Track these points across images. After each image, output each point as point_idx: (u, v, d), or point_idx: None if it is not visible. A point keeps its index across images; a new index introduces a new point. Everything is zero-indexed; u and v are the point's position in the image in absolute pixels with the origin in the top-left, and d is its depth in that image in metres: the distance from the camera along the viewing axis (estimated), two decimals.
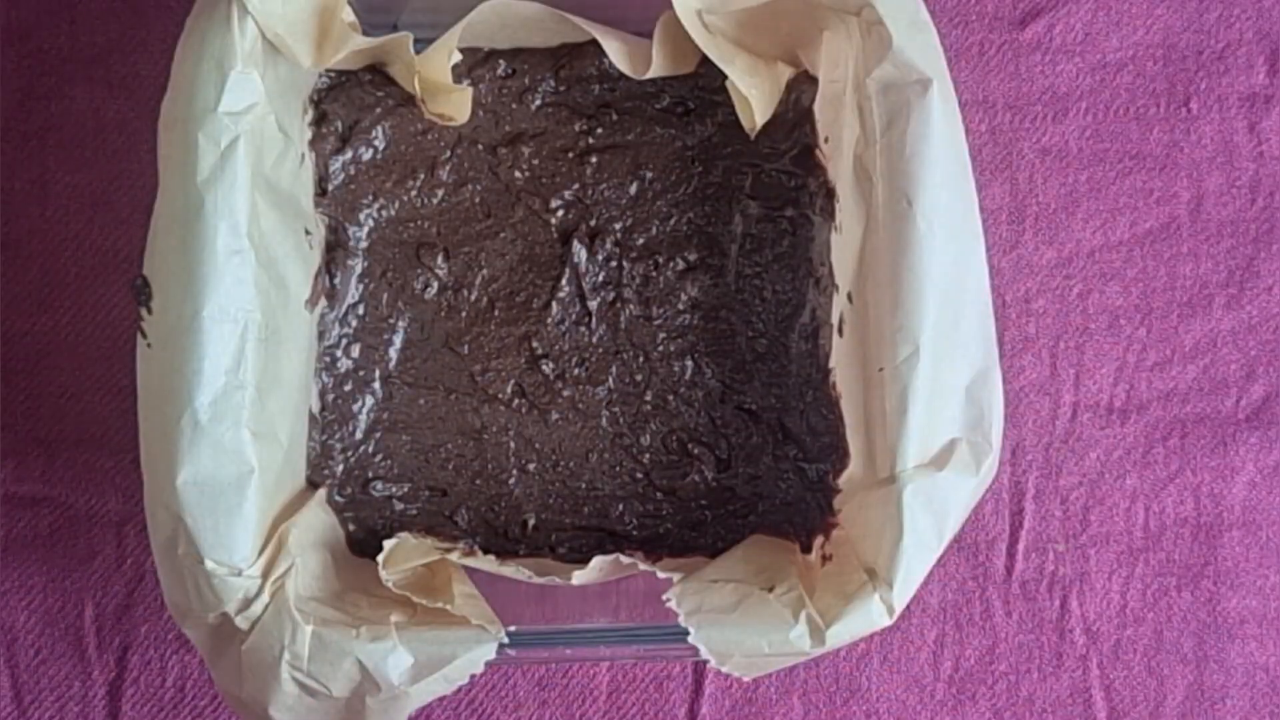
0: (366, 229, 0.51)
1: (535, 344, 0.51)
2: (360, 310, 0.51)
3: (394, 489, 0.50)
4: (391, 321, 0.51)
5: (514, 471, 0.51)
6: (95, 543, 0.54)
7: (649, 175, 0.52)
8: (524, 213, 0.52)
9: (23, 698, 0.54)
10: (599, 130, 0.52)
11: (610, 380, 0.51)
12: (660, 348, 0.51)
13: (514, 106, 0.52)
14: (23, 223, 0.55)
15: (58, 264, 0.55)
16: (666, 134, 0.52)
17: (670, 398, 0.51)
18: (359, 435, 0.50)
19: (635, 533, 0.50)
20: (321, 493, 0.49)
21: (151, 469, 0.43)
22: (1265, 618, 0.56)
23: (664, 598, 0.43)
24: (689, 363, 0.51)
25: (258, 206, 0.44)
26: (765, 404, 0.51)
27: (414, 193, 0.51)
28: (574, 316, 0.51)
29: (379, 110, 0.51)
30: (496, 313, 0.51)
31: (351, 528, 0.50)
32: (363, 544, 0.49)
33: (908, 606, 0.42)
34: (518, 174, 0.52)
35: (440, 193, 0.52)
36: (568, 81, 0.52)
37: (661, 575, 0.44)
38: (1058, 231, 0.57)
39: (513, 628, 0.44)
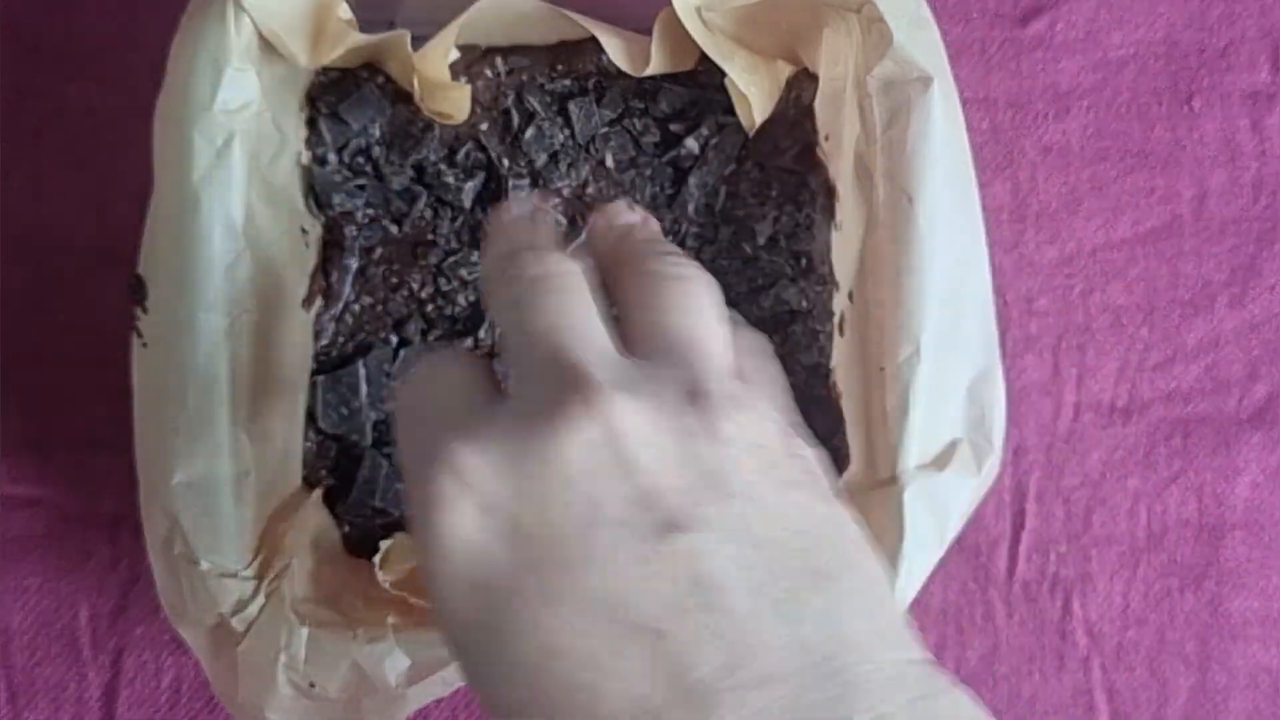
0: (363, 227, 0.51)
1: None
2: (356, 309, 0.51)
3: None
4: (388, 320, 0.51)
5: None
6: (90, 544, 0.54)
7: (648, 172, 0.52)
8: None
9: (18, 699, 0.54)
10: None
11: None
12: None
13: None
14: (17, 221, 0.55)
15: (52, 263, 0.55)
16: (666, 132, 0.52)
17: None
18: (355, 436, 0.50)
19: None
20: (317, 493, 0.48)
21: (147, 469, 0.43)
22: (1269, 619, 0.56)
23: None
24: None
25: (253, 205, 0.44)
26: None
27: None
28: None
29: (375, 108, 0.50)
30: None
31: (347, 528, 0.49)
32: (359, 544, 0.49)
33: (909, 608, 0.42)
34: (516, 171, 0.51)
35: None
36: (566, 78, 0.52)
37: None
38: (1060, 230, 0.57)
39: None
